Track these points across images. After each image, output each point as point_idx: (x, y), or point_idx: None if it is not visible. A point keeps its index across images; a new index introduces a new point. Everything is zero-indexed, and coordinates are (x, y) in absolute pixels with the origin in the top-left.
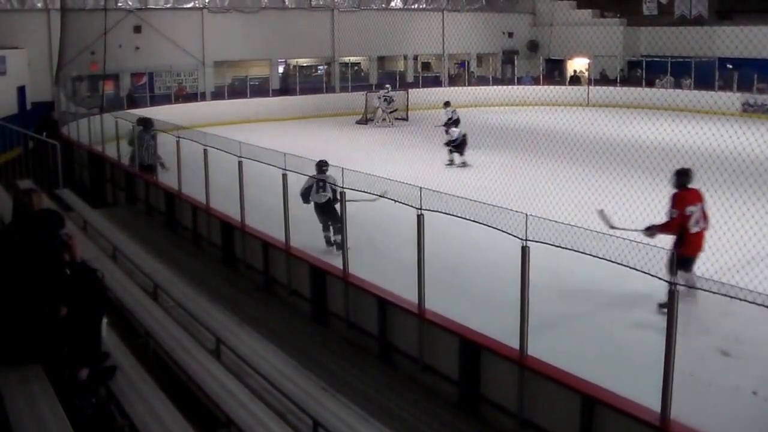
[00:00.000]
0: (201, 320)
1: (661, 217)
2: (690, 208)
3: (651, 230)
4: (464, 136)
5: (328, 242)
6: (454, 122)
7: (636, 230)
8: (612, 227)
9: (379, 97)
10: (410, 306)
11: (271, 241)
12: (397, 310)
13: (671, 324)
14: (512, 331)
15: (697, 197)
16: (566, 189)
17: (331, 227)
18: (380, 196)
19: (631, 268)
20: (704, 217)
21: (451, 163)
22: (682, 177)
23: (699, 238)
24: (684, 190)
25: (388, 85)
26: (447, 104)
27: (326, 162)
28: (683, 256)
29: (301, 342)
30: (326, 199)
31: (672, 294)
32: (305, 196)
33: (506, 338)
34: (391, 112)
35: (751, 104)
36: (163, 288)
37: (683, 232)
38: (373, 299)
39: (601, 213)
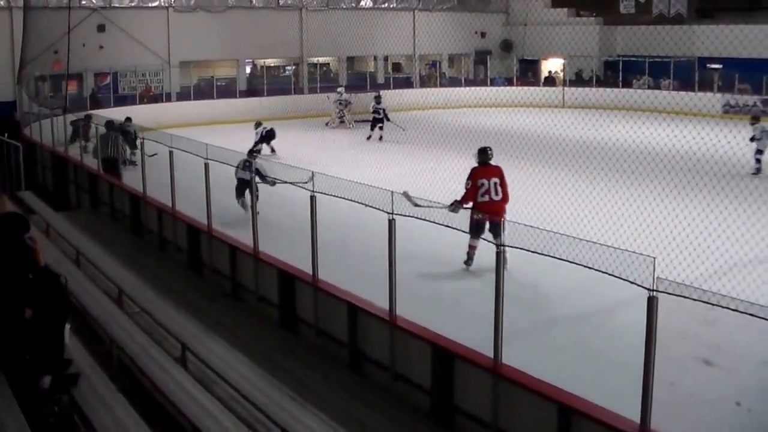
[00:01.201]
0: (166, 327)
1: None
2: (481, 181)
3: (454, 205)
4: (269, 131)
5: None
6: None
7: (442, 206)
8: (417, 206)
9: (334, 101)
10: (381, 313)
11: (239, 246)
12: (367, 317)
13: (650, 332)
14: (487, 339)
15: (490, 172)
16: (540, 193)
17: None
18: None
19: (608, 274)
20: (499, 190)
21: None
22: (481, 154)
23: (486, 207)
24: (480, 166)
25: (340, 88)
26: (378, 99)
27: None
28: (474, 222)
29: (269, 349)
30: (249, 177)
31: (651, 301)
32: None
33: (481, 346)
34: (342, 117)
35: (732, 105)
36: (127, 294)
37: (474, 202)
38: (343, 305)
39: (405, 194)
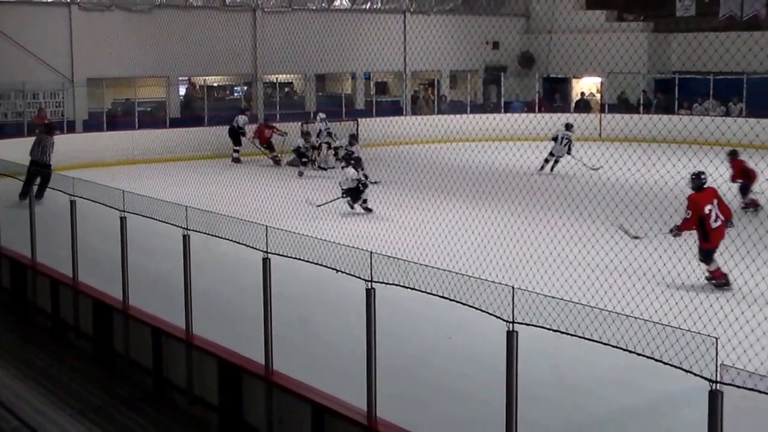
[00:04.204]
0: None
1: None
2: (708, 207)
3: (674, 231)
4: None
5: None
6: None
7: (662, 233)
8: (636, 238)
9: (320, 132)
10: (357, 415)
11: (167, 329)
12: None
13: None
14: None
15: (710, 196)
16: (571, 253)
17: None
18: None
19: (656, 360)
20: (719, 213)
21: None
22: (695, 180)
23: (720, 231)
24: (698, 192)
25: (322, 114)
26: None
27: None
28: (703, 248)
29: None
30: None
31: (714, 396)
32: None
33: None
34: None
35: None
36: (5, 404)
37: (705, 228)
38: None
39: (621, 227)
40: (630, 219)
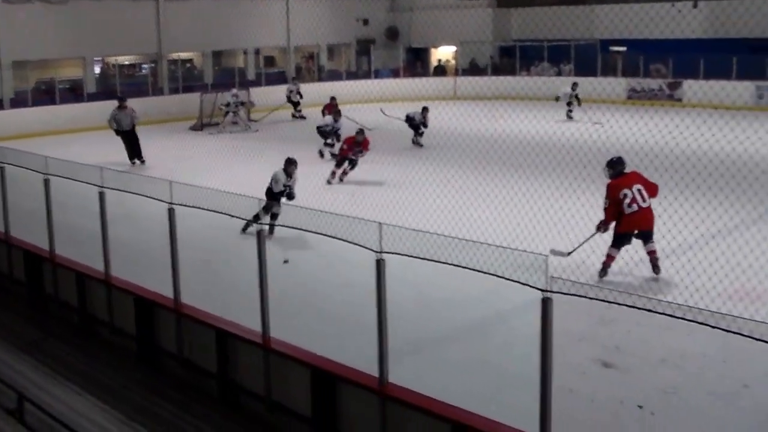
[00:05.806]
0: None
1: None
2: (623, 192)
3: (602, 227)
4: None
5: None
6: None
7: (591, 236)
8: (569, 254)
9: (229, 103)
10: (253, 336)
11: (89, 272)
12: (238, 342)
13: (546, 337)
14: (371, 357)
15: (630, 180)
16: (428, 193)
17: None
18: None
19: (497, 276)
20: (645, 196)
21: None
22: (614, 166)
23: (636, 217)
24: (616, 179)
25: (234, 89)
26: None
27: None
28: (618, 233)
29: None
30: None
31: (545, 303)
32: None
33: (365, 365)
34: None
35: (637, 90)
36: None
37: (620, 214)
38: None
39: (553, 252)
40: (480, 162)
